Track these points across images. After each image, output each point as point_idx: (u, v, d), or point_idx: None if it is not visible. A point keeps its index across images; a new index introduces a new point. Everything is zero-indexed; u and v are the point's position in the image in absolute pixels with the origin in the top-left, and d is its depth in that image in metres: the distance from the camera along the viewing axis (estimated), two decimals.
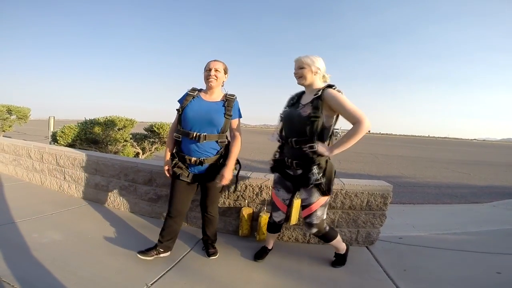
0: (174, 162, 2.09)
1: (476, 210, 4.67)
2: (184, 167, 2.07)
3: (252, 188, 2.64)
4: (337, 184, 2.53)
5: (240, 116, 2.18)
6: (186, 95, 2.11)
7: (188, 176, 2.06)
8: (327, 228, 2.07)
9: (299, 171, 1.93)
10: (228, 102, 2.10)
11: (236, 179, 2.34)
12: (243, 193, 2.67)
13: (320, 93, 1.82)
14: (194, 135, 1.99)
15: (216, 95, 2.13)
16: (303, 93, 2.06)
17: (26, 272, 1.87)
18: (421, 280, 2.06)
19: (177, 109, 2.09)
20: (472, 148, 37.66)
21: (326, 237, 2.09)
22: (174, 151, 2.14)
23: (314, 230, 2.01)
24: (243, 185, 2.64)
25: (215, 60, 2.10)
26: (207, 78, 2.06)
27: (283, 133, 2.06)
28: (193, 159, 2.02)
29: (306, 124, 1.80)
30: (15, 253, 2.09)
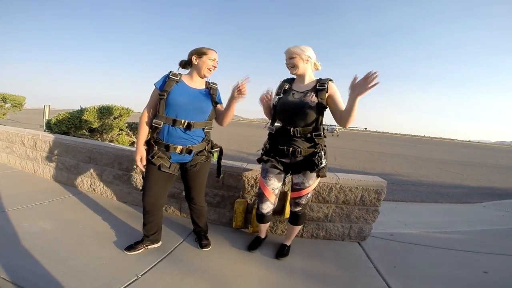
0: (154, 152, 1.92)
1: (467, 210, 4.73)
2: (165, 157, 1.94)
3: (247, 180, 2.63)
4: (332, 178, 2.53)
5: (222, 102, 2.14)
6: (168, 79, 1.93)
7: (169, 167, 1.95)
8: (306, 210, 2.26)
9: (300, 158, 1.98)
10: (212, 90, 2.06)
11: (218, 164, 2.28)
12: (237, 184, 2.66)
13: (326, 85, 1.92)
14: (183, 123, 1.89)
15: (200, 83, 2.04)
16: (293, 80, 2.12)
17: (14, 261, 1.84)
18: (410, 277, 2.08)
19: (159, 94, 1.90)
20: (466, 149, 38.06)
21: (302, 218, 2.21)
22: (151, 139, 1.97)
23: (299, 208, 2.12)
24: (238, 177, 2.64)
25: (216, 51, 2.01)
26: (208, 67, 1.97)
27: (279, 122, 2.04)
28: (179, 147, 1.92)
29: (314, 113, 1.92)
30: (3, 242, 2.06)
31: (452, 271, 2.23)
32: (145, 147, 1.99)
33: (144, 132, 1.97)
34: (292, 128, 1.94)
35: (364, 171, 9.09)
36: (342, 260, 2.26)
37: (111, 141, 5.46)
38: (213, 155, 2.21)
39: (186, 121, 1.90)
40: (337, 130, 39.78)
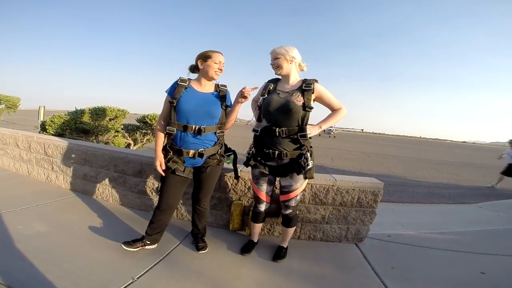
0: (169, 156, 2.00)
1: (463, 210, 4.76)
2: (179, 161, 2.00)
3: (244, 182, 2.62)
4: (328, 180, 2.53)
5: (231, 106, 2.15)
6: (177, 85, 1.99)
7: (184, 171, 2.01)
8: (297, 211, 2.27)
9: (286, 160, 1.99)
10: (222, 93, 2.07)
11: (235, 167, 2.34)
12: (234, 187, 2.65)
13: (312, 86, 1.96)
14: (194, 128, 1.93)
15: (209, 86, 2.08)
16: (277, 80, 2.14)
17: (8, 263, 1.82)
18: (407, 278, 2.08)
19: (170, 101, 1.97)
20: (462, 150, 38.36)
21: (294, 220, 2.21)
22: (167, 145, 2.06)
23: (289, 211, 2.13)
24: (235, 179, 2.61)
25: (221, 53, 2.03)
26: (215, 71, 1.98)
27: (264, 122, 2.04)
28: (192, 151, 1.97)
29: (300, 113, 1.92)
30: None
31: (449, 271, 2.23)
32: (163, 152, 2.06)
33: (160, 139, 2.06)
34: (277, 129, 1.94)
35: (361, 172, 9.12)
36: (340, 262, 2.26)
37: (106, 142, 5.42)
38: (226, 158, 2.25)
39: (197, 126, 1.94)
40: (334, 131, 39.85)
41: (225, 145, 2.21)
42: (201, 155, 1.99)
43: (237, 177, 2.37)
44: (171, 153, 2.01)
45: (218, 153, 2.09)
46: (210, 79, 2.03)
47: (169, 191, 2.06)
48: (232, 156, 2.30)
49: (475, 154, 30.69)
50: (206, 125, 1.97)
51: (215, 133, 2.04)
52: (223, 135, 2.14)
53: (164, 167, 2.02)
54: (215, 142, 2.07)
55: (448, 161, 16.97)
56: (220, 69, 2.01)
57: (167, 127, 2.00)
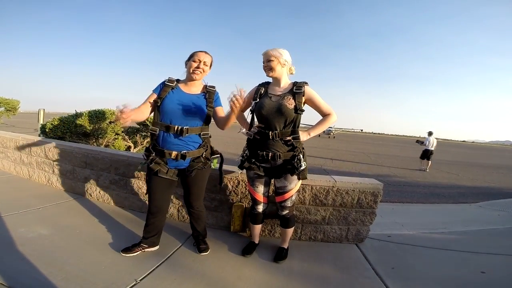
0: (150, 157, 1.96)
1: (463, 210, 4.78)
2: (162, 162, 1.96)
3: (245, 184, 2.63)
4: (328, 181, 2.54)
5: (221, 105, 2.09)
6: (164, 85, 1.98)
7: (167, 173, 1.97)
8: (294, 212, 2.30)
9: (279, 162, 2.01)
10: (209, 94, 2.03)
11: (220, 172, 2.32)
12: (235, 189, 2.66)
13: (302, 89, 1.99)
14: (176, 129, 1.89)
15: (197, 87, 2.04)
16: (268, 83, 2.15)
17: (11, 267, 1.82)
18: (408, 278, 2.09)
19: (154, 100, 1.94)
20: (461, 150, 38.38)
21: (291, 221, 2.23)
22: (149, 146, 2.02)
23: (285, 211, 2.15)
24: (236, 181, 2.63)
25: (205, 52, 1.99)
26: (193, 70, 1.95)
27: (256, 127, 2.06)
28: (174, 153, 1.92)
29: (292, 116, 1.95)
30: (0, 248, 2.04)
31: (449, 271, 2.24)
32: (146, 153, 2.04)
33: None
34: (270, 132, 1.97)
35: (360, 172, 9.13)
36: (340, 262, 2.27)
37: (107, 145, 5.43)
38: (212, 162, 2.22)
39: (179, 127, 1.90)
40: (333, 132, 39.81)
41: (211, 148, 2.16)
42: (183, 156, 1.94)
43: (221, 183, 2.35)
44: (154, 154, 1.97)
45: (203, 155, 2.04)
46: (191, 79, 1.99)
47: (155, 194, 2.04)
48: (218, 159, 2.26)
49: (474, 153, 30.72)
50: (189, 126, 1.93)
51: (199, 135, 2.00)
52: (209, 137, 2.10)
53: (125, 112, 1.65)
54: (200, 144, 2.02)
55: (448, 160, 16.98)
56: (198, 68, 1.95)
57: (150, 127, 1.97)
